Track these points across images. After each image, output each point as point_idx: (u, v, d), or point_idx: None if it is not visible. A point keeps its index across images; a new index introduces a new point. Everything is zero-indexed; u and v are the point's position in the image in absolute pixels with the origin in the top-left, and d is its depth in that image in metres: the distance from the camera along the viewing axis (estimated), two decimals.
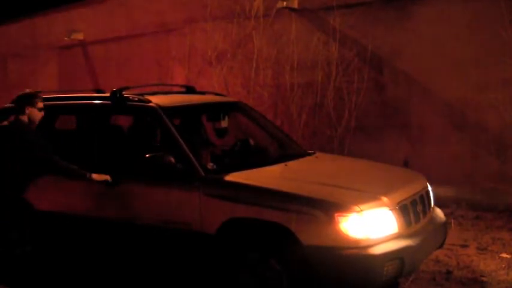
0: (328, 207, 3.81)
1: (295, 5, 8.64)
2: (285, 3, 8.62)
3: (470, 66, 7.22)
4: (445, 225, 4.68)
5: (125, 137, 5.27)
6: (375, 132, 8.04)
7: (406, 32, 7.73)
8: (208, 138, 5.68)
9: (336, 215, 3.77)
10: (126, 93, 4.92)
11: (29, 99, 4.50)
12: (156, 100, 4.82)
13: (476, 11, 7.15)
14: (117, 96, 4.87)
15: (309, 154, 5.30)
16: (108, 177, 4.54)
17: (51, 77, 12.87)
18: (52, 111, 5.45)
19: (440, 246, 4.68)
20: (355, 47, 8.04)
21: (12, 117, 4.55)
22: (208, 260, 4.25)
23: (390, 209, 3.94)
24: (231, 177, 4.28)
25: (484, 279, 4.89)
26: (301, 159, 5.04)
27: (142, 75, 10.35)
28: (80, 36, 12.25)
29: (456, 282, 4.84)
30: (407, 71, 7.80)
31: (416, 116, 7.78)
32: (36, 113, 4.50)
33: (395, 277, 4.00)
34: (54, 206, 5.00)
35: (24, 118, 4.46)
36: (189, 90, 5.92)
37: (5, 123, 4.57)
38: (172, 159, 4.28)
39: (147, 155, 4.30)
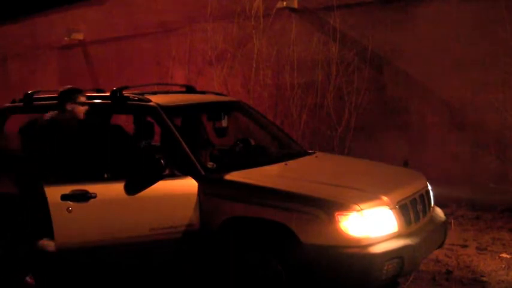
0: (328, 206, 3.81)
1: (295, 5, 8.63)
2: (285, 3, 8.62)
3: (470, 66, 7.22)
4: (445, 225, 4.68)
5: (126, 136, 5.27)
6: (375, 132, 8.05)
7: (406, 32, 7.73)
8: (208, 138, 5.68)
9: (336, 214, 3.77)
10: (126, 93, 4.92)
11: (69, 96, 4.62)
12: (156, 99, 4.83)
13: (476, 11, 7.16)
14: (117, 96, 4.87)
15: (309, 154, 5.30)
16: None
17: (51, 77, 12.87)
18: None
19: (440, 246, 4.68)
20: (355, 47, 8.04)
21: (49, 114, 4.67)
22: (209, 260, 4.25)
23: (390, 208, 3.95)
24: (231, 176, 4.28)
25: (484, 279, 4.89)
26: (301, 159, 5.05)
27: (143, 75, 10.35)
28: (80, 36, 12.26)
29: (456, 282, 4.84)
30: (407, 71, 7.80)
31: (416, 116, 7.78)
32: (79, 109, 4.63)
33: (395, 276, 4.01)
34: None
35: (65, 114, 4.59)
36: (189, 89, 5.92)
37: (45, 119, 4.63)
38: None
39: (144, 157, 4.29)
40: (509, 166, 7.03)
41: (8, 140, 6.31)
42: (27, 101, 5.47)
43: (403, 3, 7.79)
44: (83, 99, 4.65)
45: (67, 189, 4.17)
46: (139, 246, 4.38)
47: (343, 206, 3.81)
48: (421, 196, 4.42)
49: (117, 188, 4.25)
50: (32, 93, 5.48)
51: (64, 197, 4.15)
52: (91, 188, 4.20)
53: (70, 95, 4.65)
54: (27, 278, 4.80)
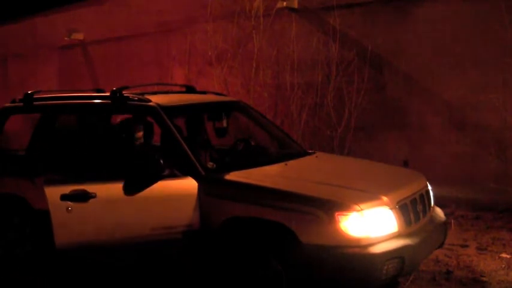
0: (328, 207, 3.81)
1: (295, 5, 8.64)
2: (285, 3, 8.62)
3: (470, 66, 7.21)
4: (445, 225, 4.68)
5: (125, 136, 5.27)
6: (375, 132, 8.05)
7: (406, 32, 7.73)
8: (208, 138, 5.68)
9: (336, 214, 3.77)
10: (126, 93, 4.92)
11: None
12: (156, 99, 4.83)
13: (476, 11, 7.15)
14: (117, 96, 4.87)
15: (309, 154, 5.30)
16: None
17: (51, 77, 12.87)
18: (52, 110, 5.48)
19: (441, 246, 4.68)
20: (355, 47, 8.04)
21: None
22: (209, 260, 4.26)
23: (390, 208, 3.95)
24: (232, 176, 4.29)
25: (484, 279, 4.89)
26: (301, 159, 5.05)
27: (143, 75, 10.35)
28: (80, 36, 12.27)
29: (456, 282, 4.84)
30: (407, 71, 7.80)
31: (416, 116, 7.78)
32: None
33: (396, 276, 4.01)
34: None
35: None
36: (189, 89, 5.92)
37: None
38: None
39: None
40: (509, 166, 7.03)
41: (8, 140, 6.32)
42: (27, 101, 5.46)
43: (403, 3, 7.78)
44: None
45: (67, 189, 4.18)
46: (140, 246, 4.40)
47: (343, 206, 3.81)
48: (421, 196, 4.41)
49: (116, 188, 4.26)
50: (32, 93, 5.48)
51: (64, 197, 4.17)
52: (91, 187, 4.21)
53: None
54: None
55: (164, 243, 4.39)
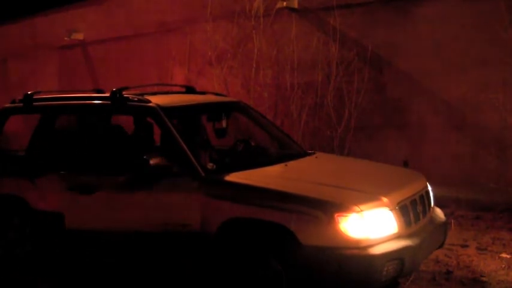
0: (328, 208, 3.81)
1: (295, 5, 8.63)
2: (285, 3, 8.62)
3: (470, 66, 7.21)
4: (445, 225, 4.68)
5: (125, 137, 5.28)
6: (375, 132, 8.04)
7: (406, 32, 7.73)
8: (208, 139, 5.67)
9: (335, 215, 3.77)
10: (125, 93, 4.93)
11: None
12: (155, 100, 4.83)
13: (476, 11, 7.15)
14: (117, 96, 4.88)
15: (309, 154, 5.30)
16: None
17: (51, 77, 12.87)
18: (52, 111, 5.48)
19: (441, 246, 4.68)
20: (355, 47, 8.04)
21: None
22: (208, 260, 4.26)
23: (390, 209, 3.94)
24: (231, 177, 4.28)
25: (484, 279, 4.89)
26: (301, 159, 5.04)
27: (143, 75, 10.35)
28: (80, 36, 12.26)
29: (456, 282, 4.84)
30: (407, 71, 7.80)
31: (416, 116, 7.78)
32: None
33: (396, 277, 4.01)
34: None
35: None
36: (189, 90, 5.92)
37: None
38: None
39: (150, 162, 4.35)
40: (509, 166, 7.03)
41: (8, 141, 6.33)
42: (27, 101, 5.46)
43: (403, 3, 7.78)
44: None
45: (75, 180, 4.66)
46: (139, 245, 4.48)
47: (343, 207, 3.81)
48: (421, 197, 4.41)
49: (115, 185, 4.61)
50: (31, 94, 5.48)
51: (71, 188, 4.73)
52: (95, 181, 4.65)
53: None
54: None
55: (163, 243, 4.41)
